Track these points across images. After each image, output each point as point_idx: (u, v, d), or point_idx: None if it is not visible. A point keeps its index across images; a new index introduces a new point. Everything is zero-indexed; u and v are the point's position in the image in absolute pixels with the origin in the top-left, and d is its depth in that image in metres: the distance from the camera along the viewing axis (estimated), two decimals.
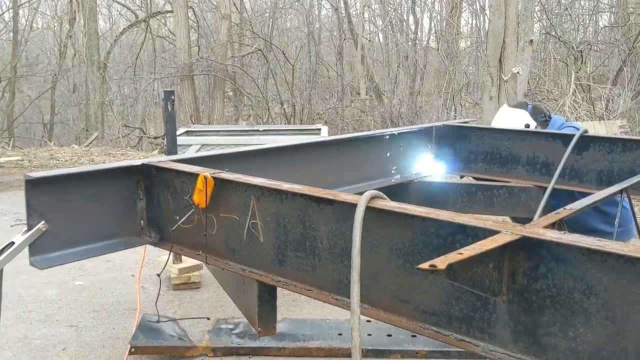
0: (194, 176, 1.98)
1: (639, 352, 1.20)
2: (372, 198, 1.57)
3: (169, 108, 4.07)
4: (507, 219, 3.61)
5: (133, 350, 3.41)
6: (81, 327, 3.94)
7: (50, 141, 17.30)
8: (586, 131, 3.11)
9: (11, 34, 19.61)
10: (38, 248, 1.94)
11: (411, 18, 21.35)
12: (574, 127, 3.88)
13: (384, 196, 1.60)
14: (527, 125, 3.78)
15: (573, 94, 12.39)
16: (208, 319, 3.90)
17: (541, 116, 3.87)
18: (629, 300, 1.20)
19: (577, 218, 3.53)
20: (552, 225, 1.66)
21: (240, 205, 1.92)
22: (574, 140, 2.99)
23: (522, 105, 4.02)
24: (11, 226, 6.18)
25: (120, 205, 2.17)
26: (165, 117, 4.18)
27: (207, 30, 19.49)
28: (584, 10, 19.36)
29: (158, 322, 3.61)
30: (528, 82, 11.68)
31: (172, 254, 2.20)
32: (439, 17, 21.97)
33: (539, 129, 3.84)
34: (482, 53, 16.10)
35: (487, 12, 14.47)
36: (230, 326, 3.76)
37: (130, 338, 3.50)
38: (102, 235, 2.12)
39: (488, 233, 1.37)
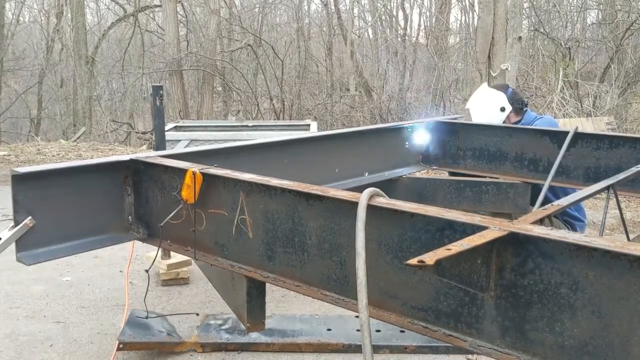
0: (183, 172, 1.98)
1: (625, 347, 1.21)
2: (371, 196, 1.56)
3: (158, 103, 4.05)
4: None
5: (121, 346, 3.40)
6: (69, 323, 3.92)
7: (37, 136, 17.17)
8: (577, 128, 3.14)
9: None
10: (25, 244, 1.93)
11: (400, 14, 21.39)
12: (546, 121, 3.96)
13: (382, 193, 1.59)
14: (503, 109, 3.83)
15: (561, 91, 12.47)
16: (197, 314, 3.89)
17: (518, 103, 3.93)
18: (615, 295, 1.21)
19: None
20: (540, 221, 1.67)
21: (229, 200, 1.91)
22: (569, 137, 3.01)
23: (502, 88, 4.07)
24: None
25: (108, 200, 2.16)
26: (153, 112, 4.15)
27: (196, 25, 19.39)
28: (572, 7, 19.49)
29: (146, 317, 3.60)
30: (517, 79, 11.74)
31: (160, 249, 2.19)
32: (428, 14, 22.02)
33: (512, 116, 3.90)
34: (471, 49, 16.17)
35: (476, 8, 14.52)
36: (219, 322, 3.75)
37: (119, 334, 3.49)
38: (89, 231, 2.11)
39: (476, 229, 1.38)
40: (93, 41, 20.42)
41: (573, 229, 3.94)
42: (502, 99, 3.86)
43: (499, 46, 9.76)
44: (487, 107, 3.89)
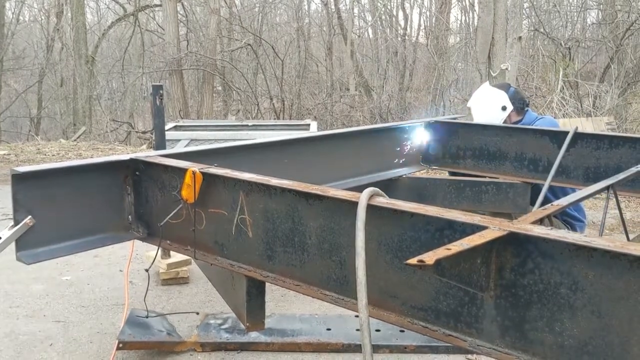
0: (182, 171, 1.98)
1: (624, 346, 1.21)
2: (371, 196, 1.56)
3: (158, 102, 4.05)
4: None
5: (121, 345, 3.40)
6: (68, 322, 3.92)
7: (37, 135, 17.18)
8: (577, 128, 3.14)
9: None
10: (25, 243, 1.93)
11: (400, 14, 21.39)
12: (547, 121, 3.97)
13: (382, 193, 1.60)
14: (504, 108, 3.84)
15: (561, 91, 12.46)
16: (197, 313, 3.89)
17: (520, 102, 3.93)
18: (615, 295, 1.21)
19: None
20: (540, 221, 1.67)
21: (229, 200, 1.91)
22: (569, 137, 3.01)
23: (504, 87, 4.07)
24: None
25: (108, 200, 2.16)
26: (153, 112, 4.16)
27: (196, 24, 19.39)
28: (572, 7, 19.50)
29: (147, 317, 3.60)
30: (517, 79, 11.74)
31: (160, 249, 2.19)
32: (428, 13, 22.03)
33: (513, 115, 3.91)
34: (471, 49, 16.17)
35: (477, 8, 14.52)
36: (219, 321, 3.75)
37: (118, 333, 3.49)
38: (89, 230, 2.11)
39: (476, 228, 1.38)
40: (93, 40, 20.41)
41: (573, 229, 3.94)
42: (503, 98, 3.87)
43: (499, 46, 9.76)
44: (488, 105, 3.89)
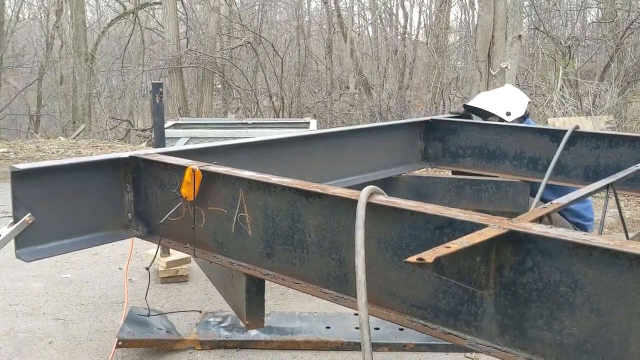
0: (182, 169, 1.97)
1: (623, 345, 1.21)
2: (371, 194, 1.56)
3: (157, 100, 4.05)
4: None
5: (120, 343, 3.40)
6: (68, 320, 3.92)
7: (36, 133, 17.18)
8: (577, 127, 3.13)
9: None
10: (24, 241, 1.92)
11: (400, 12, 21.39)
12: None
13: (382, 191, 1.59)
14: (508, 113, 3.83)
15: (561, 89, 12.46)
16: (200, 312, 3.90)
17: (523, 117, 3.96)
18: (614, 293, 1.21)
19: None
20: (539, 219, 1.67)
21: (229, 198, 1.91)
22: (567, 135, 3.01)
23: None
24: None
25: (108, 197, 2.15)
26: (153, 110, 4.16)
27: (196, 22, 19.38)
28: (572, 6, 19.50)
29: (148, 315, 3.60)
30: (516, 77, 11.73)
31: (160, 247, 2.19)
32: (428, 12, 22.02)
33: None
34: (471, 48, 16.15)
35: (477, 6, 14.50)
36: (218, 319, 3.76)
37: (118, 331, 3.49)
38: (89, 228, 2.10)
39: (475, 227, 1.37)
40: (93, 38, 20.41)
41: (583, 229, 3.93)
42: (521, 105, 3.86)
43: (499, 44, 9.75)
44: (504, 99, 3.89)
